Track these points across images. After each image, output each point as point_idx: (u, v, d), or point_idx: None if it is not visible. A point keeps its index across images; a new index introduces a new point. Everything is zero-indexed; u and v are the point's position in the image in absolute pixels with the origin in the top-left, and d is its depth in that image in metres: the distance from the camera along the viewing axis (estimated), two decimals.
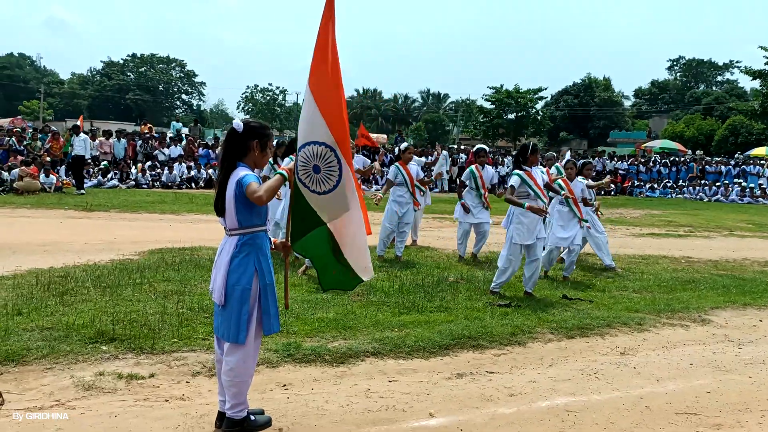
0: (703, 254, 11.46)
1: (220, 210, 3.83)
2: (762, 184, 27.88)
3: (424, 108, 78.21)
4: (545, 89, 50.67)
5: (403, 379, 4.87)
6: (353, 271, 4.15)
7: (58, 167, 20.14)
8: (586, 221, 8.92)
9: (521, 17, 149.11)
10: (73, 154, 18.68)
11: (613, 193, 26.84)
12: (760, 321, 7.09)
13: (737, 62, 68.33)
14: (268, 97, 75.82)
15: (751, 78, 44.31)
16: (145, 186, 21.10)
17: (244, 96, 76.05)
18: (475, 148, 10.42)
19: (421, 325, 6.10)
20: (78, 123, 20.80)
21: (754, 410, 4.57)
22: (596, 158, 29.55)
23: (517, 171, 7.51)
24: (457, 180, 10.38)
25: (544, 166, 9.67)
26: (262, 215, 3.85)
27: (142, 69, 78.19)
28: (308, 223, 4.07)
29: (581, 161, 9.48)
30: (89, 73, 78.88)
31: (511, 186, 7.44)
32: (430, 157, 26.00)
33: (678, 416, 4.42)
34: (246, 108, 75.54)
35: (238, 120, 3.89)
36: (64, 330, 5.34)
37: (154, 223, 12.94)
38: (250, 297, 3.75)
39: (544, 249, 8.21)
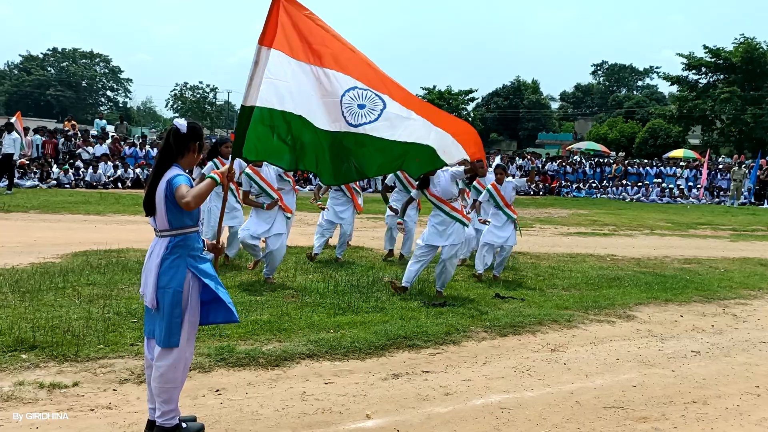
0: (626, 252, 11.92)
1: (149, 210, 3.71)
2: (680, 185, 29.30)
3: None
4: (476, 91, 51.80)
5: (339, 380, 4.84)
6: (435, 152, 4.78)
7: None
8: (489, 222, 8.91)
9: (454, 20, 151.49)
10: (2, 152, 17.73)
11: (541, 193, 27.64)
12: (681, 316, 7.42)
13: (656, 68, 71.84)
14: (198, 95, 74.15)
15: (669, 83, 46.75)
16: (68, 186, 20.19)
17: (173, 94, 74.11)
18: None
19: (356, 325, 6.08)
20: (12, 120, 19.70)
21: (677, 403, 4.77)
22: (526, 159, 30.54)
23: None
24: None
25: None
26: (193, 216, 3.75)
27: (64, 64, 75.04)
28: (368, 152, 4.70)
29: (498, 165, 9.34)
30: (6, 67, 75.11)
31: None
32: None
33: (606, 410, 4.56)
34: (175, 106, 73.63)
35: (182, 120, 3.79)
36: None
37: (77, 224, 12.38)
38: (182, 300, 3.65)
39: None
